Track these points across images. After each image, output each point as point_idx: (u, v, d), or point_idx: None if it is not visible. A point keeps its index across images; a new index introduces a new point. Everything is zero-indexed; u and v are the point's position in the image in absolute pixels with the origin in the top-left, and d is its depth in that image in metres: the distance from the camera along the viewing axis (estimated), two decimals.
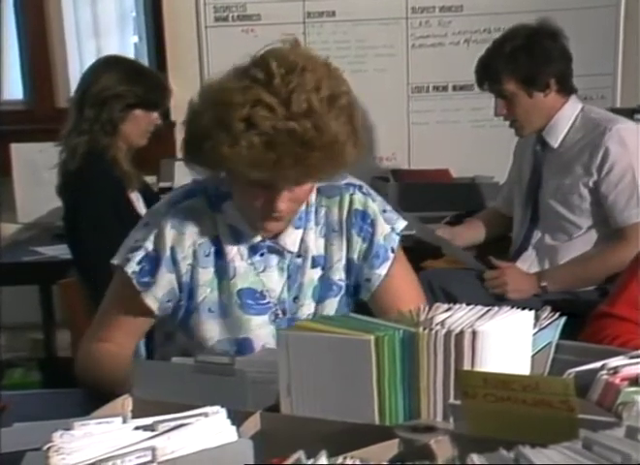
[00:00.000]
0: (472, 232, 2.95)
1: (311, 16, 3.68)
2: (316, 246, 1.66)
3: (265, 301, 1.65)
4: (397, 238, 1.69)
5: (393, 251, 1.68)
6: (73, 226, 2.60)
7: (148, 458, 0.96)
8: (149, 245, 1.60)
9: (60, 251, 2.90)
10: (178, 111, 3.67)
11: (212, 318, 1.64)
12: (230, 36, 3.67)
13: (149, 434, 1.01)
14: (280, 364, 1.21)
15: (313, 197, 1.65)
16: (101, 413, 1.16)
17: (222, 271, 1.63)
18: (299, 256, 1.65)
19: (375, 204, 1.68)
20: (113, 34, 3.95)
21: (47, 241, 3.13)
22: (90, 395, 1.53)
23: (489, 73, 2.60)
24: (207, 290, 1.63)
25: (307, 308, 1.67)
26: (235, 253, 1.63)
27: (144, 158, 2.84)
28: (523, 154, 2.79)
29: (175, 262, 1.60)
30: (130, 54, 3.71)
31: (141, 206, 2.72)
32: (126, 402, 1.22)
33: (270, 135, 1.42)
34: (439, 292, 2.56)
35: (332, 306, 1.68)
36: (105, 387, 1.43)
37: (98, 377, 1.56)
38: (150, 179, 3.21)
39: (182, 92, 3.69)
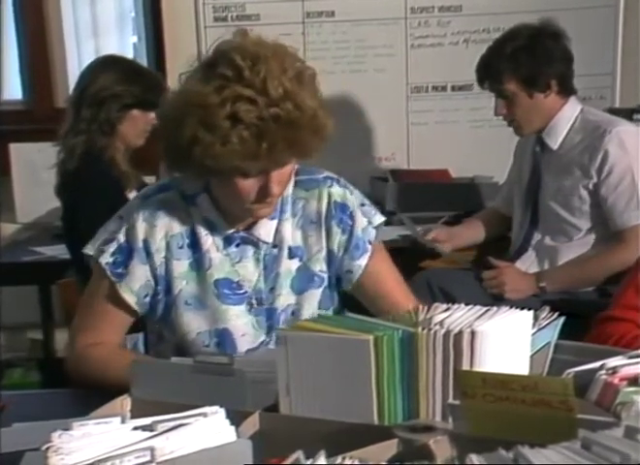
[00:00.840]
0: (472, 232, 2.95)
1: (310, 16, 3.68)
2: (293, 237, 1.68)
3: (241, 291, 1.66)
4: (373, 232, 1.73)
5: (370, 243, 1.72)
6: (71, 226, 2.60)
7: (147, 458, 0.96)
8: (122, 237, 1.63)
9: (59, 251, 2.90)
10: None
11: (190, 310, 1.65)
12: (229, 36, 3.66)
13: (148, 434, 1.01)
14: (279, 364, 1.21)
15: (290, 189, 1.68)
16: (100, 413, 1.17)
17: (198, 263, 1.65)
18: (274, 246, 1.67)
19: (353, 197, 1.72)
20: (112, 34, 3.96)
21: (46, 241, 3.13)
22: (89, 395, 1.53)
23: (490, 72, 2.60)
24: (182, 282, 1.64)
25: (286, 299, 1.68)
26: (210, 244, 1.65)
27: (143, 158, 2.84)
28: (523, 154, 2.79)
29: (148, 254, 1.62)
30: (129, 54, 3.71)
31: None
32: (125, 402, 1.23)
33: (257, 125, 1.45)
34: (438, 291, 2.56)
35: (314, 297, 1.70)
36: (104, 387, 1.43)
37: (93, 381, 1.57)
38: (150, 180, 3.20)
39: None
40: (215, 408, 1.07)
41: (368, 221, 1.72)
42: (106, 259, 1.63)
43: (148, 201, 1.65)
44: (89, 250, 1.66)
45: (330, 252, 1.70)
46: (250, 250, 1.67)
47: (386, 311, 1.61)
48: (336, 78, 3.63)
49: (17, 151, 3.42)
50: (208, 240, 1.65)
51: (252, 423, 1.13)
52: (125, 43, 3.96)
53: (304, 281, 1.69)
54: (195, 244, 1.65)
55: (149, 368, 1.30)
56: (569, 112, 2.61)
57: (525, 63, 2.53)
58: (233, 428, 1.06)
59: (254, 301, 1.67)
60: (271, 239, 1.67)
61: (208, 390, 1.21)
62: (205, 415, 1.05)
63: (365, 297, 1.74)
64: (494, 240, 2.98)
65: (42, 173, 3.06)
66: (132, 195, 2.67)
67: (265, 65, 1.47)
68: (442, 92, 3.75)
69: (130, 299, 1.63)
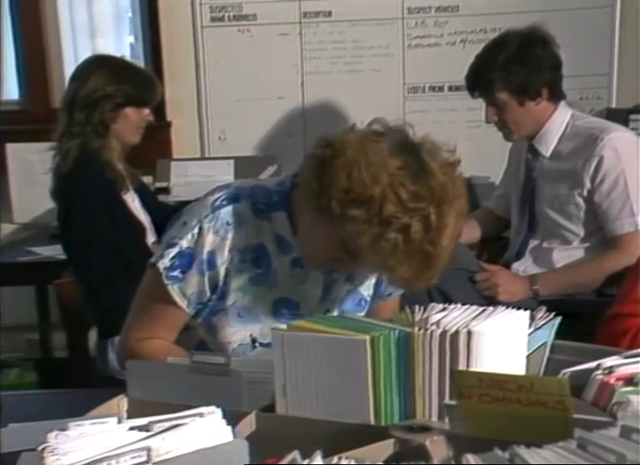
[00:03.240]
0: (467, 232, 2.94)
1: (307, 17, 3.68)
2: None
3: (298, 312, 1.66)
4: None
5: None
6: (67, 228, 2.60)
7: (143, 459, 0.96)
8: (184, 243, 1.59)
9: (56, 251, 2.89)
10: (174, 111, 3.73)
11: (240, 322, 1.64)
12: (226, 36, 3.67)
13: (144, 434, 1.01)
14: (276, 364, 1.21)
15: None
16: (96, 413, 1.17)
17: (260, 278, 1.63)
18: (335, 271, 1.66)
19: None
20: (109, 34, 3.95)
21: (43, 241, 3.13)
22: (86, 396, 1.53)
23: (481, 81, 2.60)
24: (239, 294, 1.63)
25: None
26: (278, 262, 1.63)
27: (140, 158, 2.84)
28: (518, 158, 2.79)
29: (212, 265, 1.60)
30: (126, 54, 3.70)
31: (136, 207, 2.72)
32: (121, 402, 1.23)
33: (412, 248, 1.40)
34: (435, 292, 2.56)
35: None
36: None
37: None
38: (146, 179, 3.21)
39: (178, 92, 3.72)
40: (212, 408, 1.07)
41: None
42: (164, 263, 1.59)
43: (220, 213, 1.60)
44: (152, 259, 1.63)
45: (379, 280, 1.73)
46: (314, 272, 1.65)
47: None
48: (333, 79, 3.64)
49: (14, 151, 3.41)
50: (277, 258, 1.63)
51: (248, 424, 1.13)
52: (122, 43, 3.96)
53: (352, 304, 1.71)
54: (260, 260, 1.62)
55: (146, 368, 1.30)
56: (560, 119, 2.62)
57: (516, 73, 2.54)
58: (229, 428, 1.06)
59: None
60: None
61: (204, 391, 1.21)
62: (201, 415, 1.05)
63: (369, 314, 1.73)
64: (491, 240, 2.98)
65: (38, 174, 3.06)
66: (127, 196, 2.67)
67: (454, 212, 1.42)
68: (439, 92, 3.76)
69: (182, 303, 1.61)
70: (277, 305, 1.65)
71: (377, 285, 1.75)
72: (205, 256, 1.59)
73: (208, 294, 1.62)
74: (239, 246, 1.60)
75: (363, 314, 1.71)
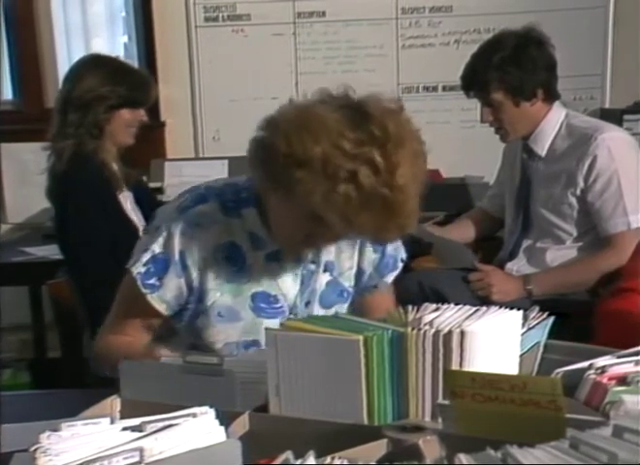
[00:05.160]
0: (462, 232, 2.95)
1: (301, 17, 3.69)
2: (328, 251, 1.69)
3: (278, 305, 1.66)
4: (403, 249, 1.76)
5: (402, 261, 1.76)
6: (63, 228, 2.60)
7: (136, 459, 0.96)
8: (157, 248, 1.60)
9: (50, 251, 2.88)
10: (168, 111, 3.73)
11: (221, 322, 1.64)
12: (220, 36, 3.67)
13: (137, 435, 1.01)
14: (269, 364, 1.21)
15: None
16: (89, 413, 1.16)
17: (235, 276, 1.63)
18: (312, 262, 1.67)
19: None
20: (103, 34, 3.95)
21: (36, 242, 3.12)
22: (79, 396, 1.53)
23: (476, 82, 2.60)
24: (216, 294, 1.63)
25: (317, 313, 1.68)
26: (252, 258, 1.64)
27: (134, 158, 2.83)
28: (513, 159, 2.79)
29: (184, 266, 1.61)
30: (120, 54, 3.70)
31: (130, 207, 2.71)
32: (114, 403, 1.22)
33: (366, 194, 1.40)
34: (429, 292, 2.56)
35: (340, 311, 1.70)
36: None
37: (114, 365, 1.57)
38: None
39: (172, 92, 3.72)
40: (205, 408, 1.07)
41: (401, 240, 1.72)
42: (138, 268, 1.61)
43: (187, 214, 1.61)
44: (128, 263, 1.64)
45: (360, 269, 1.72)
46: (290, 265, 1.66)
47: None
48: (327, 79, 3.60)
49: (8, 151, 3.41)
50: (249, 254, 1.64)
51: (242, 424, 1.13)
52: (116, 42, 3.96)
53: (333, 295, 1.71)
54: (233, 257, 1.63)
55: (139, 368, 1.30)
56: (554, 118, 2.62)
57: (511, 73, 2.54)
58: (222, 429, 1.06)
59: (292, 317, 1.66)
60: (310, 255, 1.66)
61: (197, 391, 1.21)
62: (194, 415, 1.05)
63: (358, 309, 1.74)
64: (486, 240, 2.98)
65: (32, 174, 3.05)
66: (123, 195, 2.66)
67: (404, 151, 1.42)
68: (433, 92, 3.76)
69: (160, 307, 1.63)
70: (255, 300, 1.65)
71: (358, 275, 1.73)
72: (177, 257, 1.60)
73: (186, 295, 1.63)
74: (209, 246, 1.61)
75: (346, 305, 1.72)
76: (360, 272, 1.73)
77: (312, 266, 1.68)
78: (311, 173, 1.40)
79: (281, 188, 1.47)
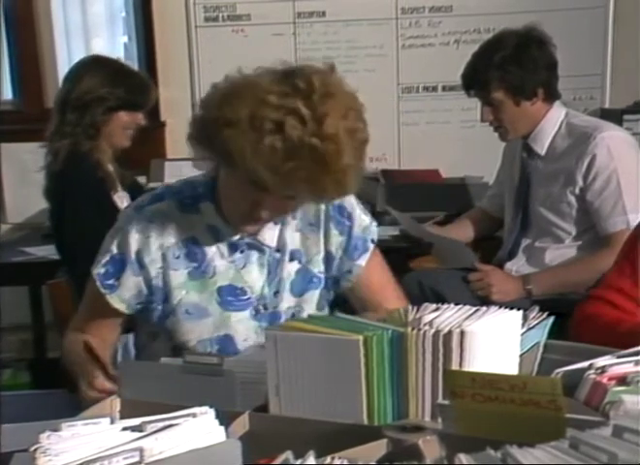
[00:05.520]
0: (461, 231, 2.95)
1: (301, 17, 3.69)
2: (293, 240, 1.69)
3: (245, 297, 1.66)
4: (375, 230, 1.74)
5: (373, 242, 1.74)
6: (59, 227, 2.60)
7: (136, 459, 0.96)
8: (114, 249, 1.62)
9: (49, 251, 2.88)
10: (168, 111, 3.73)
11: (190, 320, 1.65)
12: (220, 36, 3.67)
13: (137, 435, 1.01)
14: (269, 364, 1.21)
15: None
16: (89, 413, 1.16)
17: (197, 271, 1.64)
18: (277, 250, 1.68)
19: (352, 198, 1.71)
20: (103, 34, 3.95)
21: (36, 242, 3.12)
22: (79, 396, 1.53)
23: (477, 81, 2.61)
24: (182, 292, 1.64)
25: (287, 302, 1.69)
26: (214, 252, 1.64)
27: (133, 158, 2.83)
28: (512, 158, 2.80)
29: (141, 265, 1.62)
30: (120, 55, 3.70)
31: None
32: (114, 403, 1.22)
33: (294, 144, 1.41)
34: (429, 292, 2.56)
35: (313, 299, 1.71)
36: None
37: (71, 361, 1.61)
38: (140, 179, 3.21)
39: (172, 92, 3.72)
40: (205, 408, 1.07)
41: (370, 220, 1.73)
42: (98, 269, 1.63)
43: (142, 213, 1.63)
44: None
45: (328, 253, 1.71)
46: (255, 255, 1.66)
47: (375, 311, 1.61)
48: None
49: (7, 151, 3.41)
50: (211, 248, 1.64)
51: (242, 424, 1.13)
52: (116, 43, 3.96)
53: (303, 283, 1.70)
54: (194, 253, 1.63)
55: (139, 368, 1.30)
56: (554, 117, 2.62)
57: (513, 73, 2.54)
58: (222, 429, 1.06)
59: (260, 307, 1.67)
60: (274, 244, 1.67)
61: (197, 391, 1.21)
62: (194, 415, 1.05)
63: (356, 298, 1.74)
64: (485, 240, 2.98)
65: (32, 174, 3.04)
66: (118, 196, 2.66)
67: (333, 102, 1.44)
68: (433, 92, 3.76)
69: (120, 306, 1.65)
70: (222, 295, 1.65)
71: (327, 259, 1.71)
72: (133, 257, 1.61)
73: (147, 293, 1.64)
74: (166, 244, 1.62)
75: (318, 291, 1.72)
76: (329, 257, 1.71)
77: (277, 255, 1.67)
78: (239, 129, 1.42)
79: (219, 155, 1.49)
